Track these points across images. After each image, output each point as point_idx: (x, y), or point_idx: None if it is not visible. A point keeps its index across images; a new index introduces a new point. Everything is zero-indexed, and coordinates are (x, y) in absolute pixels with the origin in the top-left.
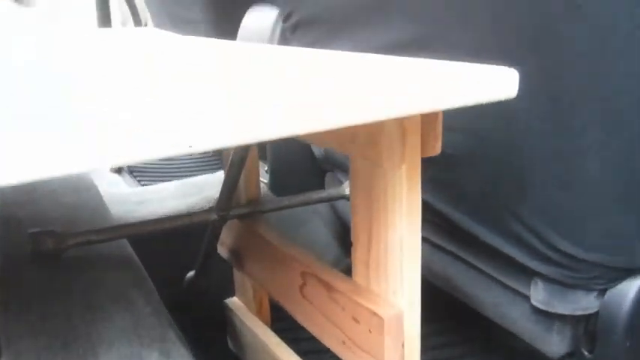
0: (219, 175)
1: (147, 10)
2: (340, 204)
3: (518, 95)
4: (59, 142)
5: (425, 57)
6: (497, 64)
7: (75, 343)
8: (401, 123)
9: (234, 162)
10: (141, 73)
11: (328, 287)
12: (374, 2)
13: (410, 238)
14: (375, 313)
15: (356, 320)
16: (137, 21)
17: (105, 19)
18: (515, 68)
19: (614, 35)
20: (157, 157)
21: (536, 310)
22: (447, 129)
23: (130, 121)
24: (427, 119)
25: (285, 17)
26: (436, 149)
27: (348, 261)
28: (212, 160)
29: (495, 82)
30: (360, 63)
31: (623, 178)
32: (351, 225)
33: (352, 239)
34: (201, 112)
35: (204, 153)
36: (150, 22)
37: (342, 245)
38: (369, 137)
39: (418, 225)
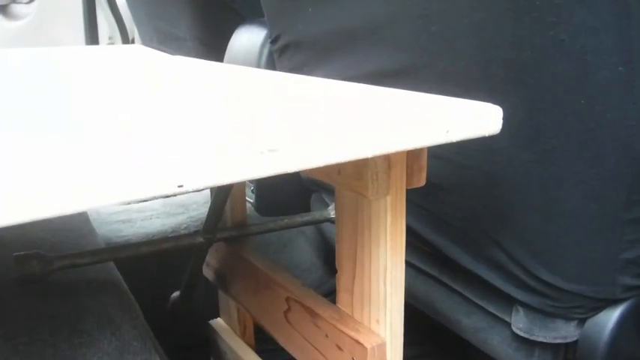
0: (206, 194)
1: (134, 25)
2: (326, 227)
3: (502, 127)
4: (41, 183)
5: (411, 86)
6: (482, 95)
7: None
8: (387, 156)
9: (221, 187)
10: (129, 102)
11: (312, 314)
12: (361, 29)
13: (393, 269)
14: (358, 342)
15: (339, 348)
16: (124, 36)
17: (92, 33)
18: (500, 100)
19: (598, 70)
20: (146, 198)
21: (517, 337)
22: (432, 157)
23: (118, 160)
24: (412, 152)
25: (273, 40)
26: (421, 181)
27: (332, 281)
28: None
29: (480, 119)
30: (346, 94)
31: (603, 210)
32: (336, 252)
33: (337, 266)
34: (191, 152)
35: None
36: (137, 37)
37: (327, 265)
38: (355, 170)
39: (402, 255)
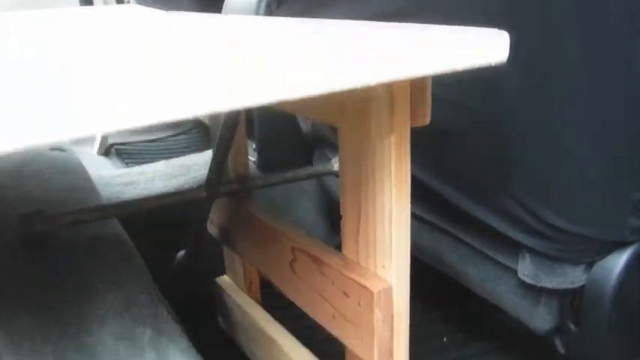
0: (207, 155)
1: None
2: (329, 182)
3: (507, 67)
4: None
5: None
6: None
7: (68, 322)
8: (390, 92)
9: (222, 137)
10: (130, 51)
11: (318, 262)
12: None
13: (399, 210)
14: (364, 287)
15: (346, 294)
16: None
17: None
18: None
19: (604, 6)
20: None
21: (524, 285)
22: (437, 101)
23: (123, 89)
24: (416, 87)
25: None
26: (425, 119)
27: (336, 240)
28: (199, 140)
29: (486, 46)
30: (347, 30)
31: (612, 151)
32: (340, 198)
33: (341, 213)
34: (192, 79)
35: (191, 132)
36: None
37: (331, 224)
38: (358, 107)
39: (407, 197)
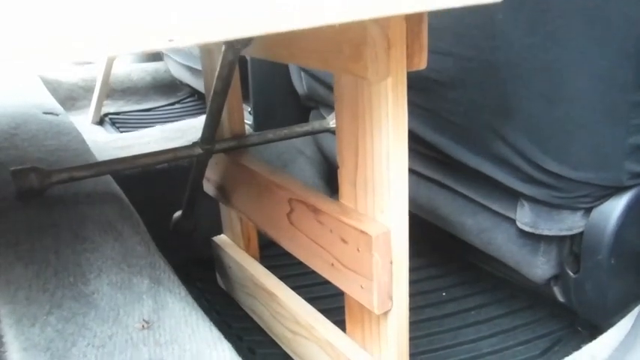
0: (202, 120)
1: None
2: (325, 142)
3: (504, 9)
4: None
5: None
6: None
7: (65, 272)
8: (385, 34)
9: (217, 91)
10: None
11: (315, 211)
12: None
13: (396, 154)
14: (362, 232)
15: (344, 241)
16: None
17: None
18: None
19: None
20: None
21: (522, 233)
22: (431, 52)
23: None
24: (412, 30)
25: None
26: (422, 63)
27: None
28: (194, 109)
29: None
30: None
31: (611, 92)
32: (337, 144)
33: (338, 160)
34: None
35: (185, 101)
36: None
37: (328, 186)
38: (353, 49)
39: (405, 140)
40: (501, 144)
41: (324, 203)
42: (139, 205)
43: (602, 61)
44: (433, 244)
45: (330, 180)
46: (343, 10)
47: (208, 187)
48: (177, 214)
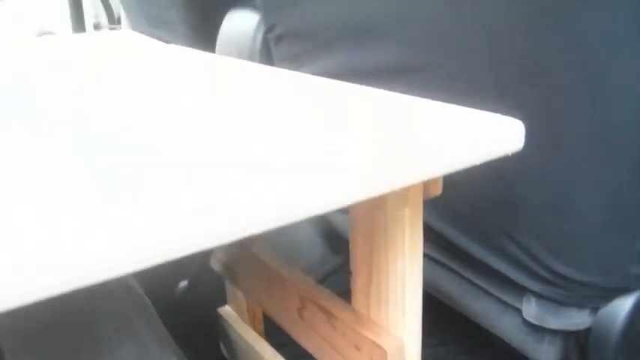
0: None
1: (120, 5)
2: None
3: None
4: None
5: (419, 84)
6: (493, 95)
7: None
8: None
9: None
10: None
11: (328, 314)
12: (366, 24)
13: (412, 276)
14: (377, 345)
15: (357, 349)
16: (110, 17)
17: (78, 15)
18: (511, 101)
19: (615, 73)
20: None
21: (528, 323)
22: None
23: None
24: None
25: (269, 28)
26: (437, 190)
27: (334, 260)
28: None
29: (501, 139)
30: (354, 104)
31: (616, 204)
32: (350, 255)
33: (351, 269)
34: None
35: None
36: (123, 17)
37: (328, 244)
38: None
39: (419, 264)
40: (508, 241)
41: (336, 307)
42: (144, 272)
43: (608, 177)
44: (441, 318)
45: (329, 239)
46: (363, 191)
47: (215, 264)
48: (183, 283)
